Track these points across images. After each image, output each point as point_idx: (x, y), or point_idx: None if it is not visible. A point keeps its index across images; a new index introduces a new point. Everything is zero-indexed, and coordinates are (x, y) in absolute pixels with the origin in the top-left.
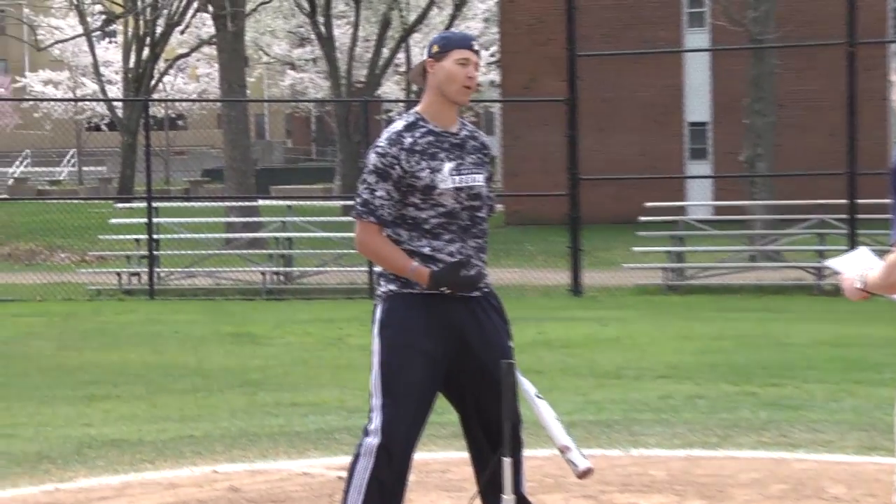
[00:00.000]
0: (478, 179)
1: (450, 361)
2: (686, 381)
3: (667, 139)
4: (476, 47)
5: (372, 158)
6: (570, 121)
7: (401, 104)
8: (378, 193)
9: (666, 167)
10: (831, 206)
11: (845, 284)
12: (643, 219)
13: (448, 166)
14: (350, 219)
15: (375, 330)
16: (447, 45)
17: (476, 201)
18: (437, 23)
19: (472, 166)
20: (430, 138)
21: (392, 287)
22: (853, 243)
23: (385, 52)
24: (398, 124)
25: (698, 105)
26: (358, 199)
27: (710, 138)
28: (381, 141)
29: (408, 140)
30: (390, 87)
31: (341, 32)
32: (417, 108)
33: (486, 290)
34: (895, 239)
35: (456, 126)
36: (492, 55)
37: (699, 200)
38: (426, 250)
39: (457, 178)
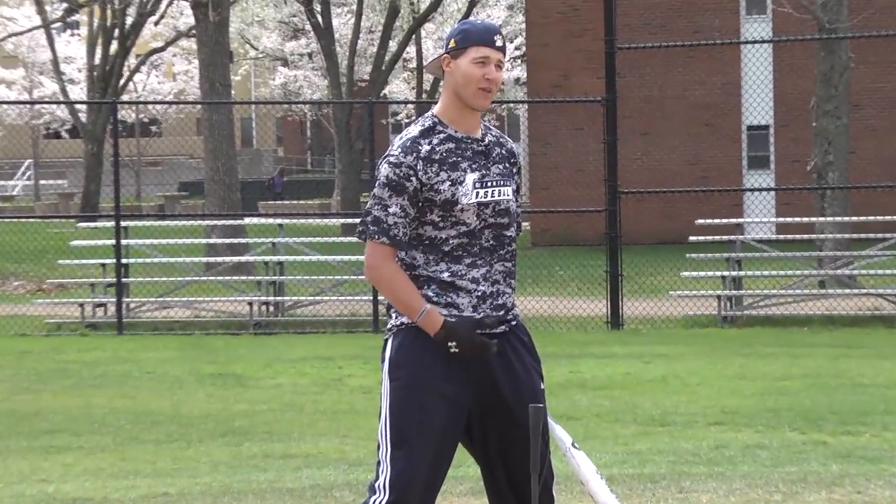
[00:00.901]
0: (505, 193)
1: (472, 406)
2: (744, 428)
3: (722, 146)
4: (499, 42)
5: (384, 170)
6: (608, 124)
7: (410, 106)
8: (392, 210)
9: (720, 178)
10: None
11: None
12: (694, 238)
13: (471, 178)
14: (351, 240)
15: (385, 369)
16: (465, 39)
17: (503, 218)
18: (453, 11)
19: (499, 177)
20: (451, 145)
21: (405, 319)
22: None
23: (392, 45)
24: (413, 129)
25: (759, 106)
26: (368, 218)
27: (772, 144)
28: (395, 149)
29: (425, 147)
30: (398, 87)
31: (341, 23)
32: (435, 111)
33: (513, 322)
34: None
35: (479, 131)
36: (517, 48)
37: (759, 217)
38: (445, 276)
39: (481, 191)
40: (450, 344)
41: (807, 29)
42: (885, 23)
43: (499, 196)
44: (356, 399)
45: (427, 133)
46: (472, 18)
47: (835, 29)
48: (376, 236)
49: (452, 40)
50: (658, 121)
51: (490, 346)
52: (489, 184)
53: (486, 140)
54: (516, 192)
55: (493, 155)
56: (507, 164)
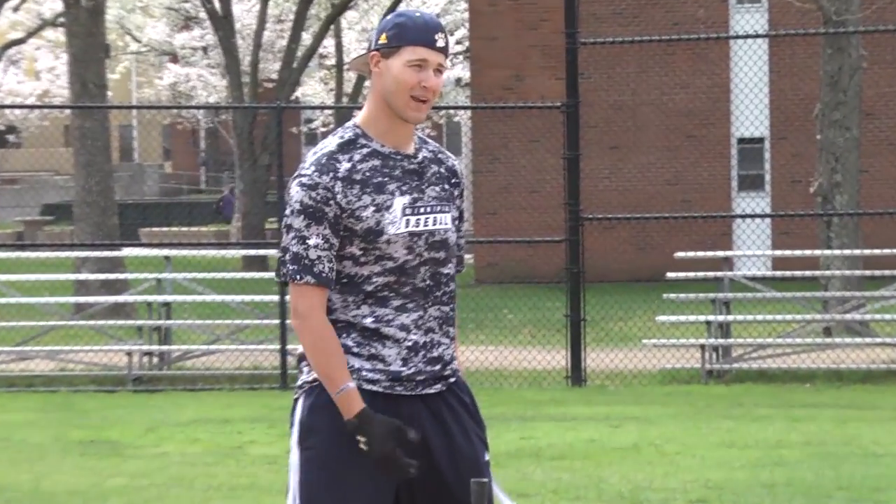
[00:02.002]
0: (442, 221)
1: (401, 482)
2: None
3: (707, 162)
4: (441, 42)
5: (297, 193)
6: (569, 136)
7: (328, 112)
8: (312, 242)
9: (705, 202)
10: None
11: None
12: (672, 275)
13: (400, 202)
14: (255, 275)
15: (295, 436)
16: (399, 36)
17: (439, 252)
18: None
19: (435, 202)
20: (376, 162)
21: None
22: None
23: (306, 37)
24: (330, 142)
25: (751, 114)
26: (286, 255)
27: (767, 161)
28: (307, 167)
29: (344, 165)
30: (313, 88)
31: (244, 10)
32: (357, 120)
33: (452, 379)
34: None
35: (412, 145)
36: (458, 42)
37: (752, 249)
38: (368, 321)
39: (412, 218)
40: (359, 438)
41: (809, 22)
42: None
43: (434, 224)
44: (259, 471)
45: (347, 147)
46: (406, 9)
47: (843, 22)
48: (298, 277)
49: (384, 35)
50: (630, 132)
51: (407, 469)
52: (422, 210)
53: (420, 156)
54: (458, 220)
55: (429, 174)
56: (445, 186)
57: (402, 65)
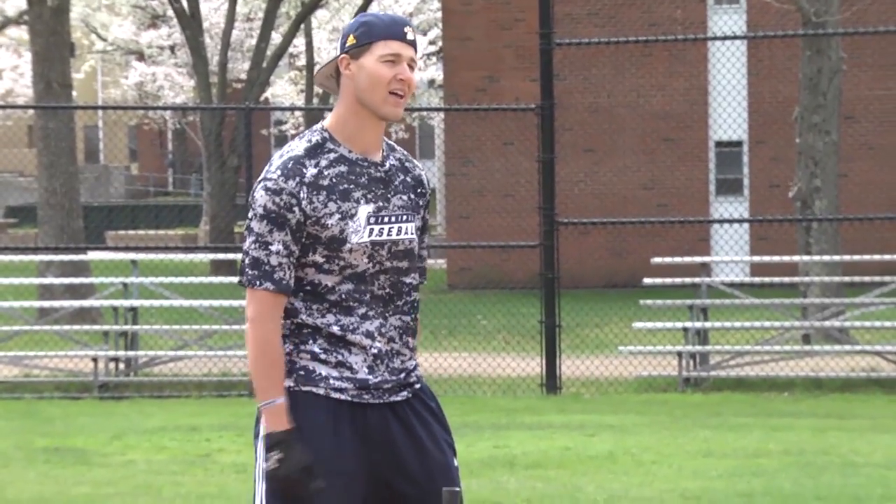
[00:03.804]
0: (406, 230)
1: (370, 489)
2: None
3: (684, 166)
4: (411, 36)
5: (261, 198)
6: (543, 138)
7: (298, 113)
8: (274, 248)
9: (683, 206)
10: None
11: None
12: (649, 281)
13: (365, 210)
14: (223, 280)
15: (261, 446)
16: (368, 34)
17: (402, 261)
18: None
19: (400, 211)
20: (342, 168)
21: (288, 383)
22: None
23: (276, 37)
24: (297, 146)
25: (730, 117)
26: (246, 259)
27: (746, 165)
28: (273, 171)
29: (310, 170)
30: (283, 88)
31: (212, 8)
32: (325, 123)
33: (417, 385)
34: None
35: (380, 152)
36: (431, 42)
37: (730, 255)
38: (335, 329)
39: (376, 227)
40: (272, 455)
41: (789, 23)
42: (886, 17)
43: (397, 234)
44: (227, 480)
45: (314, 152)
46: (373, 10)
47: (823, 23)
48: (258, 282)
49: (351, 36)
50: (606, 134)
51: (306, 499)
52: (386, 219)
53: (388, 164)
54: (422, 230)
55: (395, 183)
56: (411, 196)
57: (375, 60)
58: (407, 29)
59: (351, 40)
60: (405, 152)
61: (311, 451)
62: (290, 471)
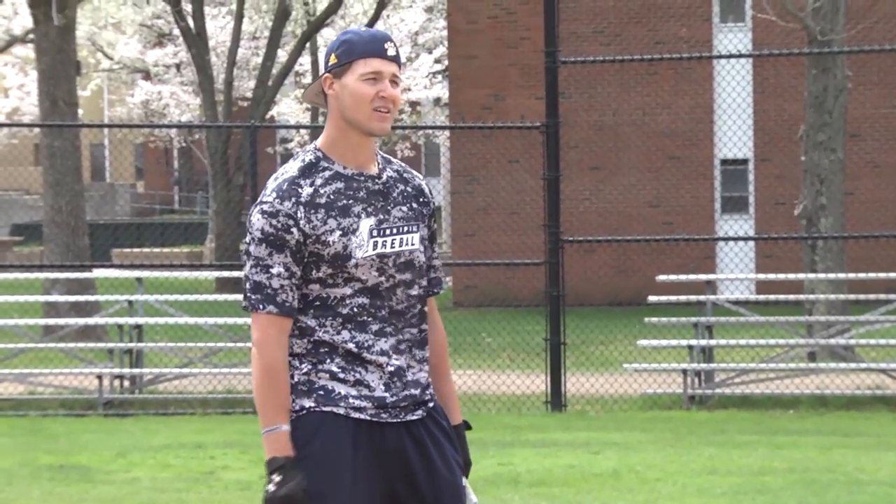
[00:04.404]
0: (410, 241)
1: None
2: None
3: (690, 184)
4: (392, 51)
5: (258, 221)
6: (549, 156)
7: (304, 131)
8: (275, 271)
9: (688, 224)
10: None
11: None
12: (654, 299)
13: (366, 224)
14: (228, 298)
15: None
16: (348, 52)
17: (405, 273)
18: (357, 14)
19: (402, 222)
20: (339, 185)
21: (305, 402)
22: None
23: (282, 55)
24: (291, 167)
25: (735, 135)
26: (248, 284)
27: (751, 183)
28: (268, 194)
29: (306, 190)
30: (289, 106)
31: (218, 27)
32: (318, 143)
33: (431, 404)
34: None
35: (375, 165)
36: (437, 61)
37: (735, 273)
38: (351, 346)
39: (380, 240)
40: (274, 477)
41: (794, 41)
42: (891, 35)
43: (401, 245)
44: (232, 498)
45: (308, 171)
46: (355, 27)
47: (829, 42)
48: (261, 306)
49: (333, 55)
50: (611, 152)
51: None
52: (388, 231)
53: (385, 176)
54: (430, 240)
55: (394, 194)
56: (413, 205)
57: (356, 79)
58: (387, 45)
59: (333, 59)
60: (403, 164)
61: (332, 473)
62: (290, 491)
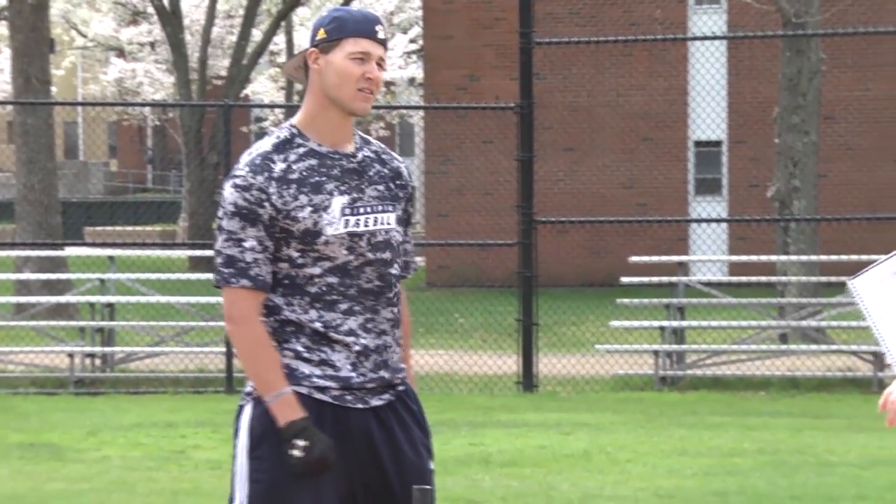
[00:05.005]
0: (384, 221)
1: (347, 490)
2: None
3: (663, 165)
4: (381, 34)
5: (230, 195)
6: (523, 137)
7: (279, 110)
8: (248, 245)
9: (661, 206)
10: None
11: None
12: (627, 280)
13: (339, 202)
14: (201, 277)
15: (243, 445)
16: (339, 29)
17: (383, 252)
18: None
19: (376, 202)
20: (312, 162)
21: None
22: None
23: (256, 34)
24: (265, 143)
25: (709, 117)
26: (219, 259)
27: (724, 165)
28: (241, 168)
29: (279, 165)
30: (264, 85)
31: (193, 5)
32: (294, 120)
33: (401, 387)
34: None
35: (352, 144)
36: (412, 41)
37: (708, 254)
38: (318, 325)
39: (352, 219)
40: (298, 442)
41: (769, 24)
42: (865, 18)
43: (375, 225)
44: (202, 477)
45: (282, 147)
46: (346, 6)
47: (803, 24)
48: (234, 280)
49: (322, 30)
50: (585, 134)
51: (320, 468)
52: (362, 209)
53: (360, 155)
54: (405, 221)
55: (370, 173)
56: (389, 186)
57: (344, 57)
58: (378, 27)
59: (321, 34)
60: (383, 146)
61: None
62: (322, 452)
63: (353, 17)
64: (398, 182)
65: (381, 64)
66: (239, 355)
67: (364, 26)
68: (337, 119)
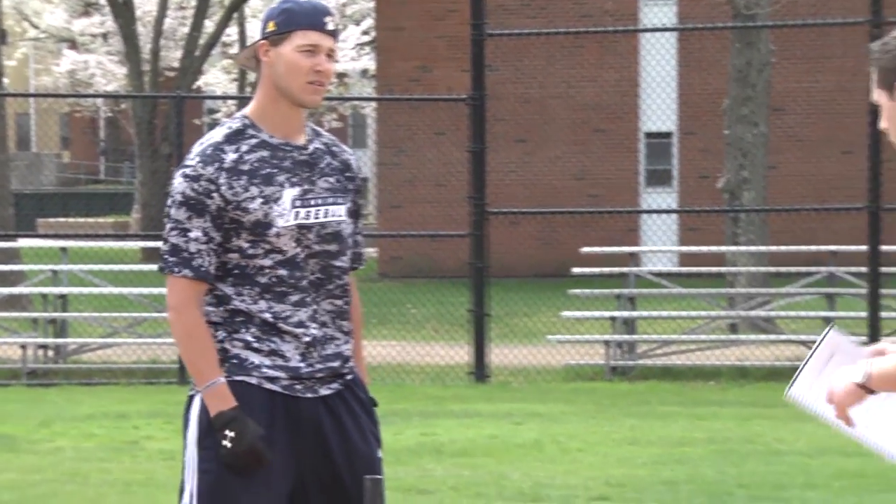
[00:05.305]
0: (335, 213)
1: (297, 479)
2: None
3: (615, 157)
4: (331, 25)
5: (179, 184)
6: (474, 129)
7: (231, 102)
8: (193, 235)
9: (613, 197)
10: (846, 254)
11: (838, 389)
12: (578, 271)
13: (290, 194)
14: (153, 267)
15: (192, 435)
16: (288, 21)
17: (332, 244)
18: None
19: (327, 194)
20: (264, 153)
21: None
22: (875, 307)
23: (209, 25)
24: (217, 134)
25: (660, 108)
26: (165, 246)
27: (675, 156)
28: (192, 158)
29: (230, 156)
30: (216, 77)
31: None
32: (246, 111)
33: (349, 376)
34: None
35: (303, 136)
36: (364, 32)
37: (659, 245)
38: (267, 316)
39: (302, 210)
40: (227, 433)
41: (719, 16)
42: (814, 10)
43: (325, 217)
44: (155, 467)
45: (234, 138)
46: None
47: (753, 16)
48: (177, 269)
49: (271, 23)
50: (537, 125)
51: (262, 466)
52: (312, 202)
53: (312, 147)
54: (354, 213)
55: (321, 166)
56: (340, 178)
57: (293, 50)
58: (327, 19)
59: (271, 26)
60: (333, 137)
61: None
62: (250, 443)
63: (303, 8)
64: (347, 174)
65: (331, 55)
66: (176, 343)
67: (313, 18)
68: (288, 111)
